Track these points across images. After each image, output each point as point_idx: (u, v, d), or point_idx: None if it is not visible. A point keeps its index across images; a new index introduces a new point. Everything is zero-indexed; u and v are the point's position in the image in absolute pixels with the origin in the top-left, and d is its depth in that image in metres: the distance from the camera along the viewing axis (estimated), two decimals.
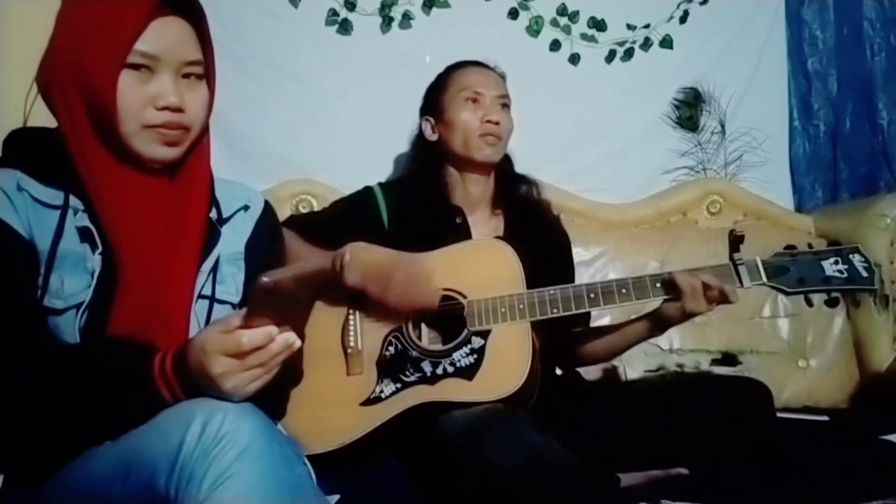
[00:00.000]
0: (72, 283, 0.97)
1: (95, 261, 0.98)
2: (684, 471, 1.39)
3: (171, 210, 1.05)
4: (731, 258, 1.41)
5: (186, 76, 1.03)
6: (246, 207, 1.18)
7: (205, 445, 0.82)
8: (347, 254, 1.35)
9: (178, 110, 1.01)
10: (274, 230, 1.24)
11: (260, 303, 0.85)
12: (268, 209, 1.22)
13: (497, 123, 1.58)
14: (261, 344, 0.86)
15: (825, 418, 1.87)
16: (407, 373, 1.41)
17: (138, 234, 1.01)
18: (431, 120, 1.65)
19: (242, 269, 1.13)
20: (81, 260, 0.98)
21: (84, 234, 0.99)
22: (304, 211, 1.99)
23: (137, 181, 1.02)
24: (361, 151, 2.08)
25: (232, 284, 1.11)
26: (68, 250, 0.98)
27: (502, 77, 1.67)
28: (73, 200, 0.99)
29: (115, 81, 0.97)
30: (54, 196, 0.99)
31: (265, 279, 0.82)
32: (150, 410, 0.89)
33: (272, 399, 0.93)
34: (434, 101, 1.65)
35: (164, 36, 1.00)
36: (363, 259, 1.35)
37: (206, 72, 1.05)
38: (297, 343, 0.89)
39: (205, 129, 1.08)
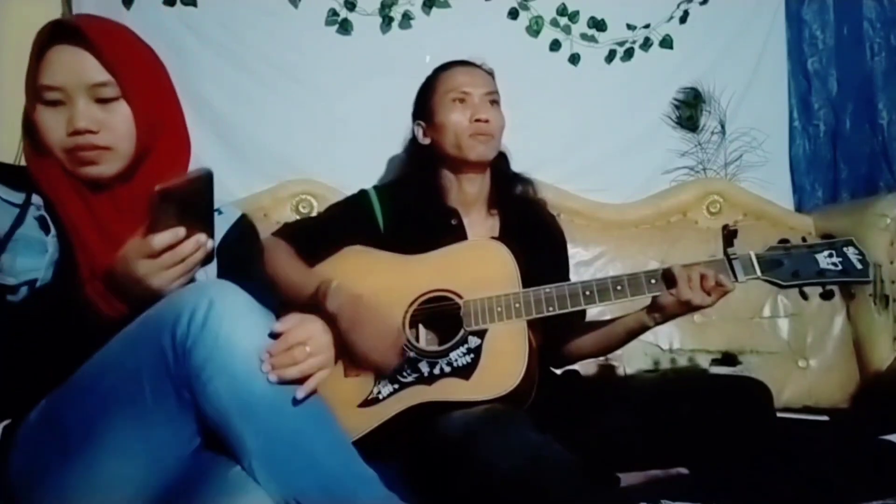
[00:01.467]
0: (24, 261, 1.05)
1: (50, 243, 1.07)
2: (684, 471, 1.38)
3: (128, 208, 1.11)
4: (726, 253, 1.41)
5: (100, 98, 1.09)
6: (219, 211, 1.22)
7: (211, 296, 0.93)
8: (335, 282, 1.38)
9: (88, 132, 1.07)
10: (249, 238, 1.30)
11: (158, 211, 0.95)
12: (244, 219, 1.29)
13: (487, 121, 1.57)
14: (171, 243, 0.96)
15: (825, 418, 1.86)
16: (404, 373, 1.41)
17: (93, 227, 1.10)
18: (423, 124, 1.65)
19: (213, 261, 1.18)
20: (38, 243, 1.07)
21: (41, 221, 1.08)
22: (304, 211, 1.99)
23: (87, 193, 1.11)
24: (361, 151, 2.08)
25: (202, 274, 1.14)
26: (25, 234, 1.07)
27: (490, 74, 1.67)
28: (35, 198, 1.10)
29: (36, 117, 1.08)
30: (18, 196, 1.09)
31: (157, 187, 0.93)
32: (99, 333, 0.98)
33: None
34: (424, 105, 1.65)
35: (59, 65, 1.08)
36: (347, 293, 1.38)
37: (123, 91, 1.10)
38: (210, 243, 1.01)
39: (148, 141, 1.12)
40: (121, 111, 1.10)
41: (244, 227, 1.30)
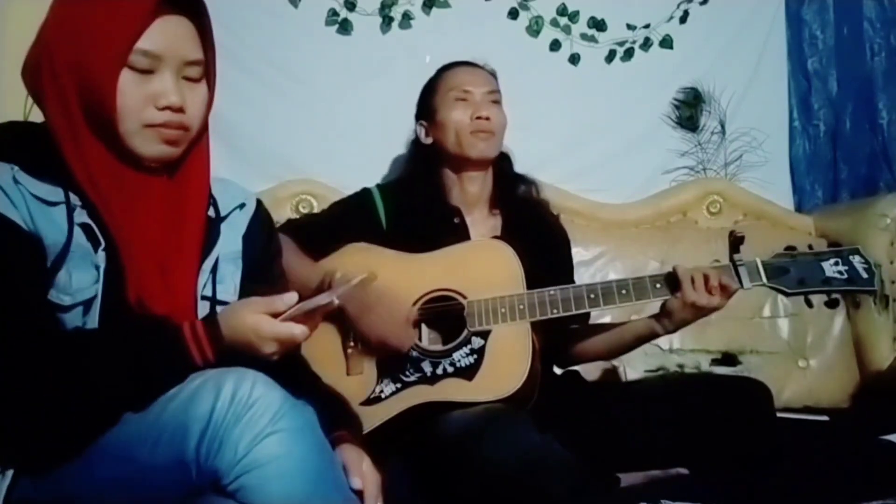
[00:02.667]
0: (79, 277, 0.96)
1: (100, 257, 0.98)
2: (684, 471, 1.38)
3: (170, 208, 1.05)
4: (732, 259, 1.41)
5: (187, 76, 1.02)
6: (242, 206, 1.18)
7: (237, 409, 0.86)
8: (338, 273, 1.38)
9: (180, 110, 1.00)
10: (268, 228, 1.24)
11: (319, 312, 0.97)
12: (260, 207, 1.23)
13: (488, 119, 1.57)
14: (306, 337, 0.96)
15: (825, 418, 1.87)
16: (407, 373, 1.41)
17: (137, 232, 1.01)
18: (425, 124, 1.65)
19: (240, 268, 1.13)
20: (88, 255, 0.98)
21: (86, 230, 0.98)
22: (304, 211, 1.99)
23: (134, 179, 1.02)
24: (361, 151, 2.08)
25: (231, 283, 1.11)
26: (77, 245, 0.97)
27: (493, 75, 1.67)
28: (73, 197, 0.99)
29: (116, 80, 0.96)
30: (53, 193, 0.98)
31: (336, 300, 0.96)
32: (178, 376, 0.92)
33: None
34: (426, 105, 1.66)
35: (166, 35, 0.99)
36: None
37: (206, 72, 1.05)
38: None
39: (204, 129, 1.08)
40: (201, 93, 1.05)
41: (266, 216, 1.24)
